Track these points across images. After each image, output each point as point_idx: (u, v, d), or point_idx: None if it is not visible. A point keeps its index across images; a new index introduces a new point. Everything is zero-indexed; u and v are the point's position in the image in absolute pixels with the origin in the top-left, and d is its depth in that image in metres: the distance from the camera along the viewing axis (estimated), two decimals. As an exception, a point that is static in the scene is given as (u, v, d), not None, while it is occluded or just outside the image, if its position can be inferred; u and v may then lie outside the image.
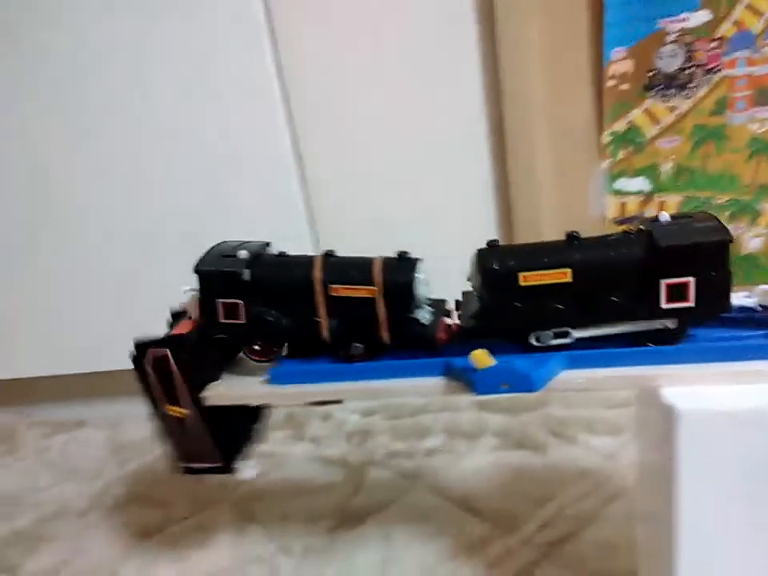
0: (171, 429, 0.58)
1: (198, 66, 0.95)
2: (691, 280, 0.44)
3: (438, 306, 0.53)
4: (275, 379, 0.52)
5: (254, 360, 0.55)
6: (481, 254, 0.48)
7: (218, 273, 0.52)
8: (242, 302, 0.51)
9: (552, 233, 0.96)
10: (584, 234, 0.48)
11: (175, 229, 1.02)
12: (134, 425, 1.11)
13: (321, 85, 0.97)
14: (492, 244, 0.49)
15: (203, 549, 0.78)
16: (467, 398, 1.01)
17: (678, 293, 0.45)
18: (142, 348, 0.55)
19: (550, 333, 0.48)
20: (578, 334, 0.48)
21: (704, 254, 0.44)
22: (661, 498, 0.47)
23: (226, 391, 0.53)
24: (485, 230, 1.01)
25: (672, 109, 0.91)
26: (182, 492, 0.79)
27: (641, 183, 0.96)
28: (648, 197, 0.96)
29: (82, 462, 1.04)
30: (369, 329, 0.50)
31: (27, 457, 1.08)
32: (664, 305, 0.45)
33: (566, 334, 0.48)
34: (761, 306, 0.50)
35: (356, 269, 0.50)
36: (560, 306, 0.47)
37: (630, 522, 0.71)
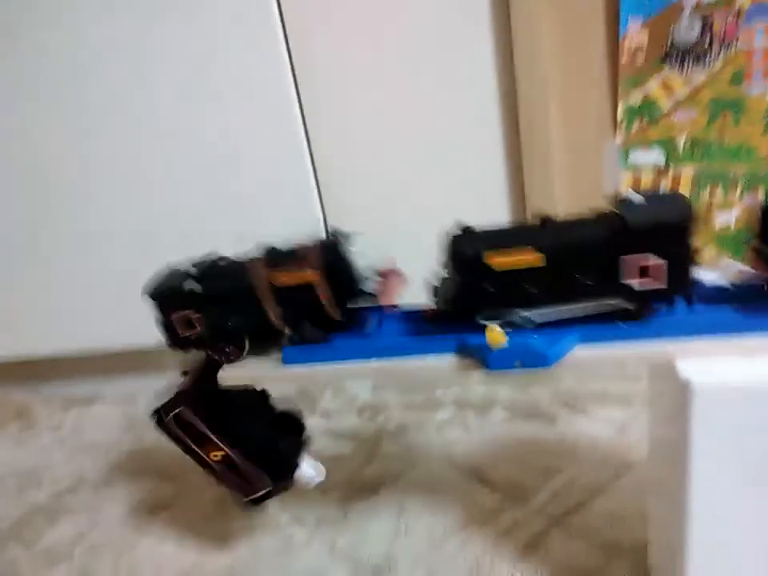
0: (221, 472, 0.63)
1: (206, 56, 0.94)
2: (657, 258, 0.45)
3: (381, 270, 0.55)
4: (288, 359, 0.52)
5: (230, 361, 0.57)
6: (453, 239, 0.49)
7: (167, 289, 0.55)
8: (194, 313, 0.54)
9: (565, 207, 0.96)
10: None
11: (187, 215, 1.02)
12: (145, 400, 1.13)
13: (331, 66, 0.96)
14: (465, 229, 0.50)
15: (217, 520, 0.80)
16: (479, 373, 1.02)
17: (645, 271, 0.46)
18: (159, 414, 0.62)
19: (521, 314, 0.49)
20: (548, 314, 0.48)
21: (669, 233, 0.45)
22: (673, 471, 0.47)
23: (241, 372, 0.54)
24: (497, 204, 1.00)
25: (688, 81, 0.89)
26: (196, 466, 0.80)
27: (656, 156, 0.94)
28: (663, 170, 0.95)
29: (96, 437, 1.06)
30: (317, 310, 0.52)
31: (42, 433, 1.10)
32: (632, 283, 0.46)
33: (536, 312, 0.49)
34: (731, 282, 0.51)
35: (294, 257, 0.52)
36: (531, 289, 0.47)
37: (639, 493, 0.72)
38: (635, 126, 0.93)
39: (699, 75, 0.89)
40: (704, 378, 0.42)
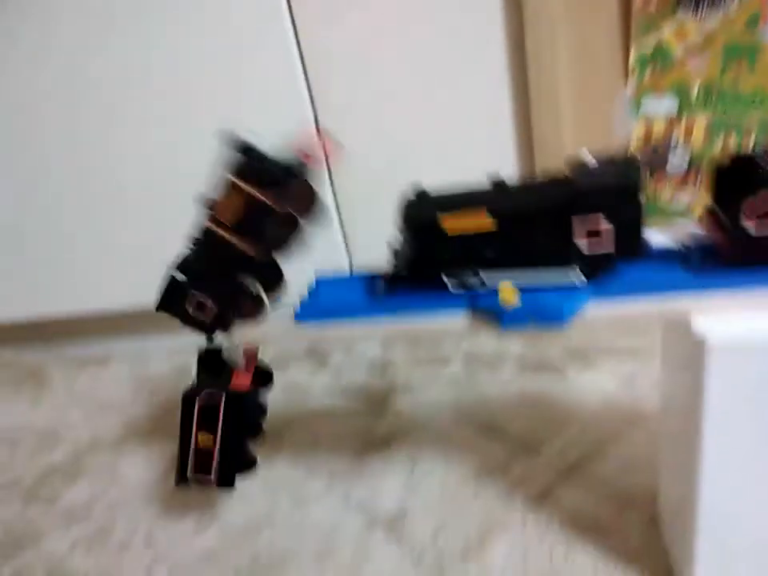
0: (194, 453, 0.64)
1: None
2: (607, 222, 0.45)
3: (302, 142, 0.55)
4: (301, 316, 0.52)
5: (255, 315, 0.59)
6: (407, 203, 0.49)
7: (166, 295, 0.60)
8: (199, 297, 0.58)
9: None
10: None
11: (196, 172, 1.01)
12: (157, 360, 1.14)
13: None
14: (420, 193, 0.50)
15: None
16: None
17: (595, 235, 0.46)
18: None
19: (473, 278, 0.49)
20: (501, 278, 0.49)
21: (618, 197, 0.45)
22: (686, 426, 0.48)
23: (255, 331, 0.54)
24: (505, 155, 0.98)
25: (702, 26, 0.86)
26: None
27: (668, 105, 0.92)
28: (675, 119, 0.93)
29: (111, 396, 1.07)
30: (275, 216, 0.54)
31: (58, 393, 1.11)
32: (583, 247, 0.47)
33: (488, 276, 0.49)
34: (682, 244, 0.51)
35: (225, 188, 0.54)
36: (484, 252, 0.48)
37: (650, 444, 0.73)
38: (647, 73, 0.91)
39: (713, 20, 0.86)
40: (718, 335, 0.42)
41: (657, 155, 0.93)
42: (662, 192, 0.94)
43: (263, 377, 0.68)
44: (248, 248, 0.54)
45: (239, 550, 0.69)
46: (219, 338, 0.63)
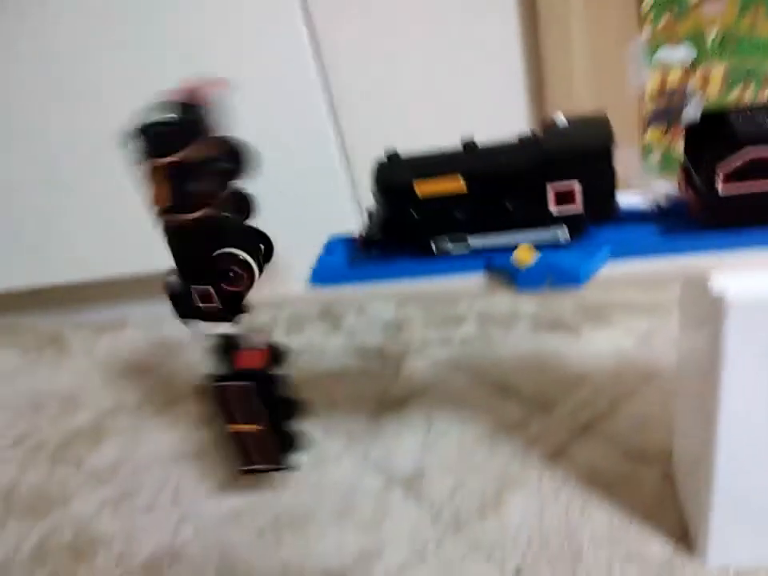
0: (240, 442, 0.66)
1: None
2: (577, 184, 0.45)
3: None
4: (315, 279, 0.52)
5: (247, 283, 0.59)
6: (379, 167, 0.49)
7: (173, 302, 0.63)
8: (199, 289, 0.59)
9: (587, 109, 0.92)
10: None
11: None
12: (173, 324, 1.15)
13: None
14: (391, 156, 0.50)
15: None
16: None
17: (565, 197, 0.46)
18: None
19: (447, 241, 0.49)
20: (475, 241, 0.49)
21: (587, 159, 0.44)
22: (703, 384, 0.48)
23: (269, 294, 0.54)
24: (515, 108, 0.96)
25: (720, -31, 0.83)
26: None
27: (684, 52, 0.89)
28: (691, 67, 0.90)
29: (130, 361, 1.09)
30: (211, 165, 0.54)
31: (77, 358, 1.13)
32: (553, 210, 0.46)
33: (463, 240, 0.49)
34: (656, 204, 0.50)
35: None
36: (457, 215, 0.48)
37: (665, 400, 0.73)
38: (662, 20, 0.87)
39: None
40: (737, 292, 0.41)
41: (672, 106, 0.91)
42: (677, 144, 0.92)
43: (277, 354, 0.68)
44: (204, 216, 0.54)
45: (262, 510, 0.71)
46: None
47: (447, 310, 1.02)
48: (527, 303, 0.99)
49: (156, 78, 0.95)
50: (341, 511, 0.69)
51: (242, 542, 0.68)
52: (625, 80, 0.92)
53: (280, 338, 1.05)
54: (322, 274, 0.52)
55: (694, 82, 0.90)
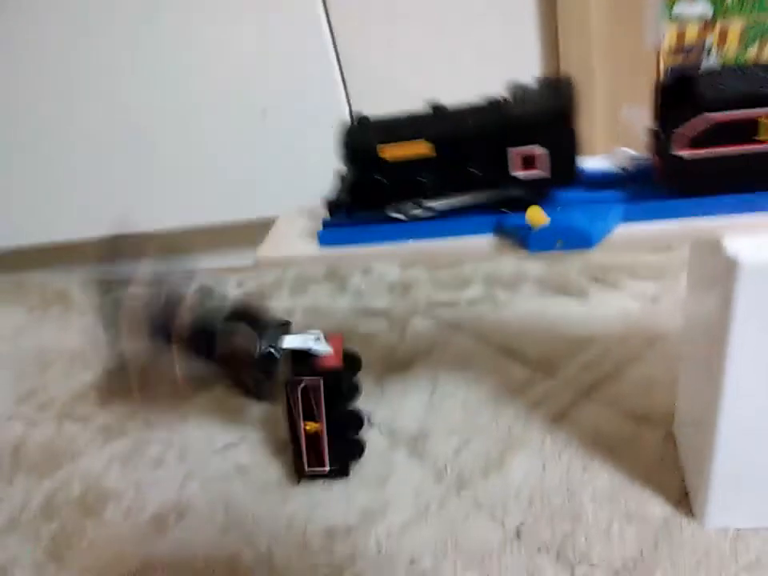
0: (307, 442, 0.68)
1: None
2: (538, 149, 0.45)
3: None
4: (324, 240, 0.51)
5: None
6: (347, 131, 0.49)
7: None
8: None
9: (604, 69, 0.90)
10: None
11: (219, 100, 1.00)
12: (178, 281, 1.15)
13: None
14: (359, 120, 0.50)
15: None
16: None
17: (527, 161, 0.46)
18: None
19: (411, 204, 0.50)
20: (439, 205, 0.49)
21: (550, 122, 0.45)
22: (711, 346, 0.47)
23: (276, 254, 0.53)
24: (530, 65, 0.94)
25: None
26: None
27: (702, 7, 0.86)
28: (709, 23, 0.87)
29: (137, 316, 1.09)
30: None
31: (84, 315, 1.13)
32: (516, 173, 0.47)
33: (425, 206, 0.50)
34: (622, 168, 0.50)
35: None
36: (422, 179, 0.48)
37: (670, 363, 0.73)
38: (681, -26, 0.85)
39: None
40: (751, 255, 0.41)
41: (688, 62, 0.89)
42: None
43: (352, 361, 0.71)
44: None
45: (268, 466, 0.72)
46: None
47: (453, 272, 1.02)
48: (533, 266, 0.98)
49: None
50: (345, 469, 0.70)
51: (248, 497, 0.69)
52: (641, 36, 0.89)
53: (285, 299, 1.05)
54: (331, 236, 0.51)
55: (712, 38, 0.88)
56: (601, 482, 0.62)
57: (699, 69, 0.45)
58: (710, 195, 0.43)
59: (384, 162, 0.48)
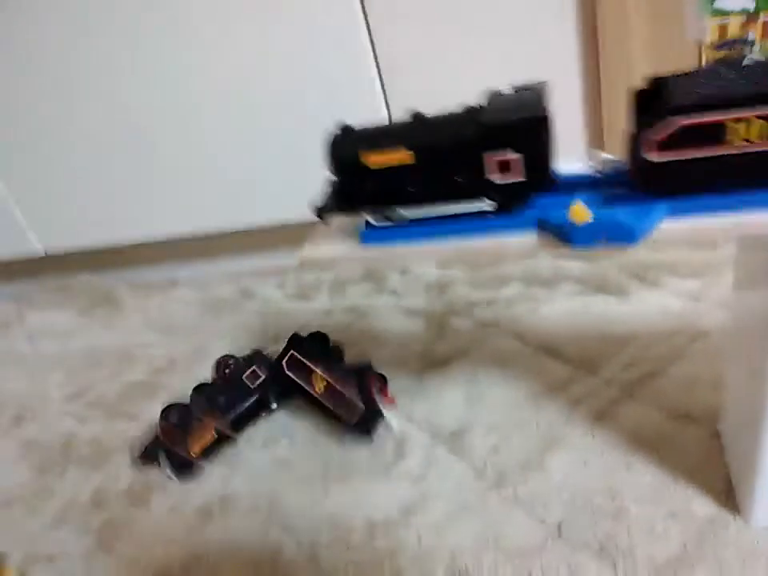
0: (327, 398, 0.77)
1: None
2: (515, 155, 0.46)
3: None
4: (367, 240, 0.52)
5: None
6: (331, 140, 0.51)
7: None
8: None
9: (645, 66, 0.89)
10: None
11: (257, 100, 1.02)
12: (222, 284, 1.18)
13: None
14: (343, 129, 0.51)
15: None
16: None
17: (503, 166, 0.47)
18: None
19: (396, 211, 0.51)
20: (423, 212, 0.51)
21: (521, 128, 0.46)
22: (758, 342, 0.47)
23: (319, 255, 0.54)
24: (569, 66, 0.93)
25: None
26: (276, 341, 0.85)
27: (743, 1, 0.85)
28: (752, 17, 0.86)
29: (180, 319, 1.12)
30: None
31: (130, 316, 1.17)
32: (495, 179, 0.48)
33: (412, 210, 0.51)
34: (598, 171, 0.50)
35: None
36: (406, 186, 0.49)
37: (713, 360, 0.72)
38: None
39: None
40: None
41: (731, 56, 0.87)
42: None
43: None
44: None
45: (310, 460, 0.74)
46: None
47: (491, 271, 1.02)
48: (572, 265, 0.98)
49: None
50: (386, 465, 0.70)
51: (291, 490, 0.70)
52: (683, 30, 0.88)
53: (324, 299, 1.06)
54: (373, 235, 0.52)
55: (755, 32, 0.86)
56: (644, 480, 0.62)
57: (691, 72, 0.46)
58: (681, 197, 0.44)
59: (367, 169, 0.49)
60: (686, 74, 0.43)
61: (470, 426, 0.73)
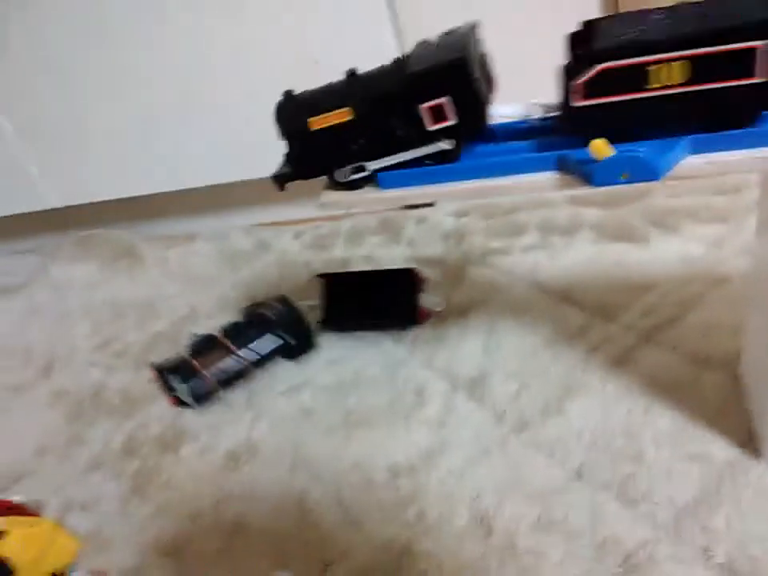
0: None
1: None
2: (444, 100, 0.47)
3: None
4: (384, 183, 0.52)
5: None
6: (277, 108, 0.52)
7: None
8: None
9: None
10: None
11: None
12: (240, 236, 1.18)
13: None
14: (287, 96, 0.53)
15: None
16: (562, 194, 1.00)
17: (436, 113, 0.48)
18: None
19: (348, 169, 0.53)
20: (372, 165, 0.52)
21: (441, 73, 0.46)
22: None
23: (339, 198, 0.54)
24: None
25: None
26: (293, 293, 0.86)
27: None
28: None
29: (200, 271, 1.13)
30: None
31: (151, 269, 1.18)
32: (430, 127, 0.49)
33: (362, 169, 0.52)
34: (536, 116, 0.52)
35: None
36: (350, 144, 0.51)
37: (734, 306, 0.72)
38: None
39: None
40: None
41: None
42: None
43: None
44: None
45: (332, 408, 0.75)
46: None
47: (507, 219, 1.01)
48: (590, 212, 0.96)
49: None
50: (407, 413, 0.72)
51: (314, 438, 0.72)
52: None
53: (341, 249, 1.06)
54: (391, 178, 0.52)
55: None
56: (662, 424, 0.62)
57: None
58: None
59: (314, 132, 0.51)
60: (615, 16, 0.44)
61: (489, 373, 0.74)
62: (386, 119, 0.50)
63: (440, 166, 0.50)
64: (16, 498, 0.71)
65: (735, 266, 0.78)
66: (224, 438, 0.75)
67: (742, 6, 0.40)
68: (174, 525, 0.67)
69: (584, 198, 0.99)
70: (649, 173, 0.42)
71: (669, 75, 0.41)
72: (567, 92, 0.44)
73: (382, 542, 0.59)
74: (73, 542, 0.66)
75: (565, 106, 0.45)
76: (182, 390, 0.77)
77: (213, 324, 0.94)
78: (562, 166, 0.46)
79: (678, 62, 0.40)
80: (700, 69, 0.40)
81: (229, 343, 0.80)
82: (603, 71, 0.42)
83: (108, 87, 1.09)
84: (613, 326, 0.75)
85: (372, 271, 0.80)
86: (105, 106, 1.12)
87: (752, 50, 0.38)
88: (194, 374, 0.78)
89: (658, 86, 0.41)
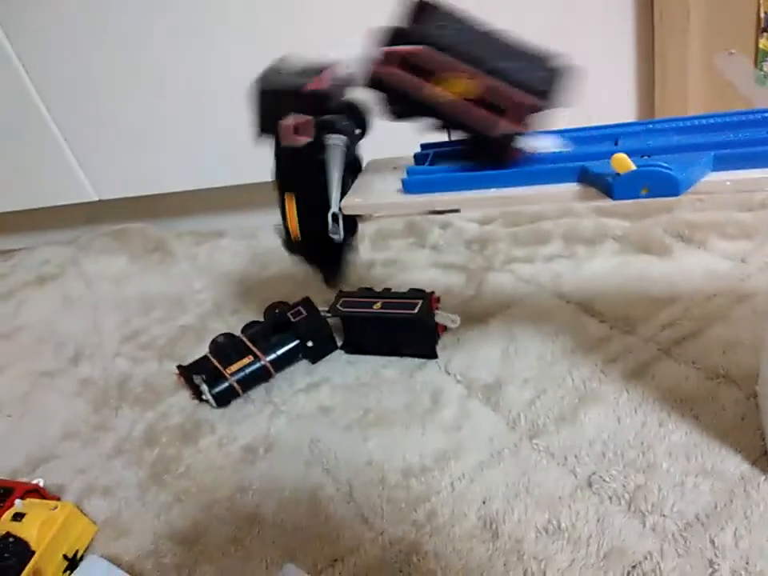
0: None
1: None
2: (300, 117, 0.57)
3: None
4: (409, 188, 0.53)
5: None
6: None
7: None
8: None
9: (700, 12, 0.85)
10: None
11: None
12: (268, 234, 1.20)
13: None
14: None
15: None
16: (586, 205, 1.00)
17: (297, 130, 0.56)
18: None
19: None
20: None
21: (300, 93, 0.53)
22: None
23: (362, 202, 0.56)
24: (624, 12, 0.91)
25: None
26: (319, 291, 0.87)
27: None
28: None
29: (228, 267, 1.15)
30: None
31: (180, 264, 1.21)
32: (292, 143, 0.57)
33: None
34: None
35: None
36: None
37: (755, 323, 0.71)
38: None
39: None
40: None
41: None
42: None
43: None
44: None
45: (350, 407, 0.76)
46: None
47: (532, 228, 1.01)
48: (614, 223, 0.96)
49: None
50: (423, 415, 0.73)
51: (331, 435, 0.73)
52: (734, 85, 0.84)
53: (366, 252, 1.08)
54: (416, 183, 0.53)
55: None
56: (677, 437, 0.62)
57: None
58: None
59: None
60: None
61: (506, 379, 0.74)
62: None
63: (465, 173, 0.51)
64: (36, 481, 0.74)
65: (760, 282, 0.78)
66: (243, 432, 0.77)
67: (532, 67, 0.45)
68: (190, 513, 0.68)
69: (609, 209, 0.98)
70: (670, 188, 0.43)
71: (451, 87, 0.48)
72: None
73: (390, 540, 0.60)
74: (90, 525, 0.69)
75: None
76: (206, 390, 0.79)
77: (237, 320, 0.96)
78: (583, 178, 0.46)
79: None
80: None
81: (255, 348, 0.82)
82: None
83: (147, 84, 1.12)
84: (632, 338, 0.75)
85: (388, 314, 0.79)
86: (142, 103, 1.15)
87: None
88: (219, 378, 0.80)
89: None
